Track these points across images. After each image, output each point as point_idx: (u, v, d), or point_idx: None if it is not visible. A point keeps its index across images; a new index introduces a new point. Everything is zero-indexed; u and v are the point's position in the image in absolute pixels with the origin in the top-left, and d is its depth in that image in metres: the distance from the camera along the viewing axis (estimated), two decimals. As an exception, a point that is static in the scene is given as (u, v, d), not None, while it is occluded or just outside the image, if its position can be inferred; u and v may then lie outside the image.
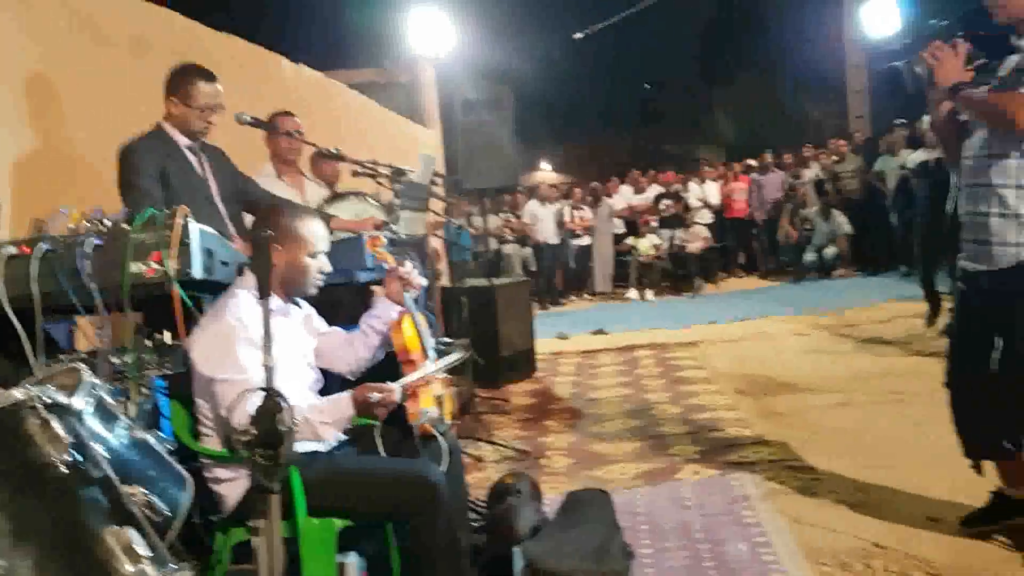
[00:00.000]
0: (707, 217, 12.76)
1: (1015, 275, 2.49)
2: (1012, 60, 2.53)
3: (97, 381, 1.49)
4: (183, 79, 3.15)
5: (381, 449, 2.40)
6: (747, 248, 13.56)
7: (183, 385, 2.43)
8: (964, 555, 2.64)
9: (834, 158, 12.31)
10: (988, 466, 2.81)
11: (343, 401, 2.23)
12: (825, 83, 16.40)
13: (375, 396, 2.18)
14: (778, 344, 6.84)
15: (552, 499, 3.24)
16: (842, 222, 11.38)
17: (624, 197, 13.44)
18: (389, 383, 2.26)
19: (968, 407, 2.74)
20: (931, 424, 3.19)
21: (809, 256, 11.65)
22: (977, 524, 2.78)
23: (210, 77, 3.17)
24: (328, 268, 2.49)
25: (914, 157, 6.92)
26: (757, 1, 17.11)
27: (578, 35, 14.16)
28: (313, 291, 2.49)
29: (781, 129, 18.68)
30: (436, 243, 6.99)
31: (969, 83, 2.55)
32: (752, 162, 13.32)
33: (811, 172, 12.45)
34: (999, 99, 2.47)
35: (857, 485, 3.33)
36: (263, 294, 1.31)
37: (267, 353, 1.26)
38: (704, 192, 12.89)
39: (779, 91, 18.87)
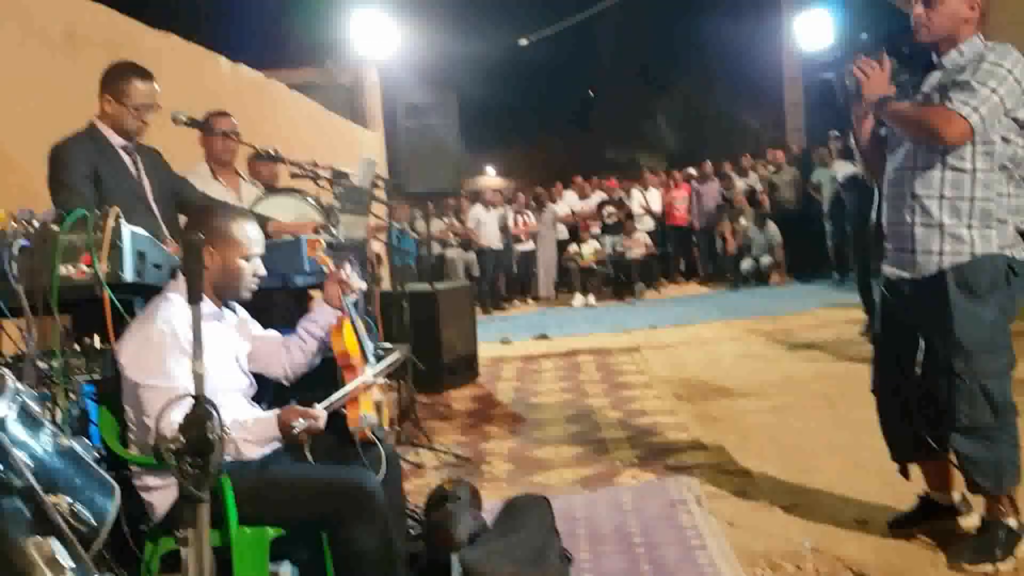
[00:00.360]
0: (649, 224, 12.94)
1: (937, 282, 2.58)
2: (934, 77, 2.63)
3: (20, 387, 1.44)
4: (119, 77, 3.07)
5: (309, 457, 2.35)
6: (687, 255, 13.80)
7: (112, 390, 2.37)
8: (891, 556, 2.72)
9: (771, 168, 12.63)
10: (915, 471, 2.91)
11: (270, 422, 2.20)
12: (763, 94, 16.81)
13: (299, 423, 2.15)
14: (715, 349, 6.97)
15: (492, 505, 3.23)
16: (775, 232, 11.69)
17: (568, 203, 13.55)
18: (315, 408, 2.23)
19: (894, 411, 2.84)
20: (862, 428, 3.29)
21: (745, 264, 11.91)
22: (904, 526, 2.88)
23: (146, 76, 3.10)
24: (263, 272, 2.45)
25: (844, 170, 7.14)
26: (698, 11, 17.43)
27: (523, 41, 14.28)
28: (247, 295, 2.44)
29: (720, 138, 19.09)
30: (378, 247, 6.93)
31: (893, 97, 2.65)
32: (692, 171, 13.55)
33: (743, 183, 12.75)
34: (924, 112, 2.57)
35: (790, 488, 3.41)
36: (194, 299, 1.28)
37: (197, 360, 1.24)
38: (646, 199, 13.06)
39: (718, 101, 19.28)
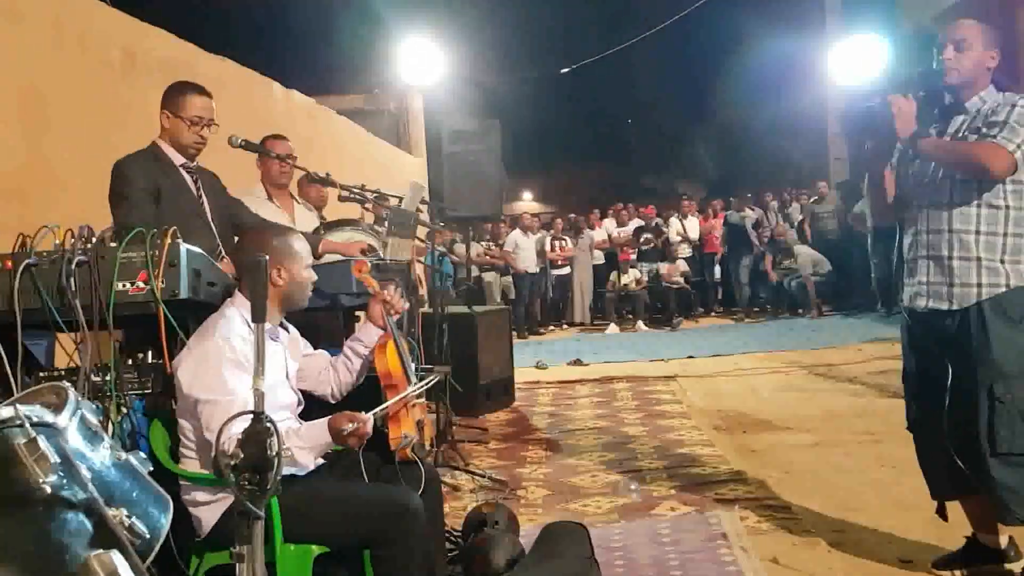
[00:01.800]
0: (687, 251, 12.89)
1: (976, 312, 2.62)
2: (958, 120, 2.71)
3: (81, 399, 1.47)
4: (176, 92, 3.16)
5: (364, 475, 2.39)
6: (726, 283, 13.68)
7: (163, 405, 2.42)
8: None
9: (813, 198, 12.53)
10: (959, 513, 2.85)
11: (321, 428, 2.23)
12: (805, 123, 16.69)
13: (348, 427, 2.18)
14: (755, 381, 6.89)
15: (528, 531, 3.22)
16: (821, 262, 11.53)
17: (605, 229, 13.57)
18: (363, 413, 2.26)
19: (930, 445, 2.81)
20: (905, 466, 3.23)
21: (787, 294, 11.78)
22: (948, 567, 2.82)
23: (202, 91, 3.18)
24: (315, 278, 2.54)
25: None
26: (739, 40, 17.42)
27: (565, 70, 14.41)
28: (306, 303, 2.51)
29: (760, 167, 18.97)
30: (418, 269, 6.99)
31: (925, 133, 2.70)
32: (732, 199, 13.51)
33: (792, 211, 12.68)
34: (971, 146, 2.62)
35: (832, 525, 3.35)
36: (258, 317, 1.31)
37: (259, 377, 1.26)
38: (684, 227, 13.02)
39: (759, 129, 19.17)
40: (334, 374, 2.62)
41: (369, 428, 2.24)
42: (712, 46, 19.28)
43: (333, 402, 2.64)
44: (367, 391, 2.70)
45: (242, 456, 1.22)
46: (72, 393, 1.51)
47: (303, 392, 2.56)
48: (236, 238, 3.25)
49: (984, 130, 2.59)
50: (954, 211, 2.66)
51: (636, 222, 13.39)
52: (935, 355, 2.73)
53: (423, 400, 2.75)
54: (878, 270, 10.24)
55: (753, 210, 12.98)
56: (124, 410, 2.37)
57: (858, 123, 2.89)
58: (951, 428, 2.67)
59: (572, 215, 13.92)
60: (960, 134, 2.68)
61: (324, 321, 3.36)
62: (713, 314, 12.84)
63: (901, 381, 2.96)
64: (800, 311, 11.64)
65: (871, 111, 2.75)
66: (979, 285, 2.62)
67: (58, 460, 1.17)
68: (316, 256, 3.27)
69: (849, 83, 11.97)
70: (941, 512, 2.86)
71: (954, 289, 2.66)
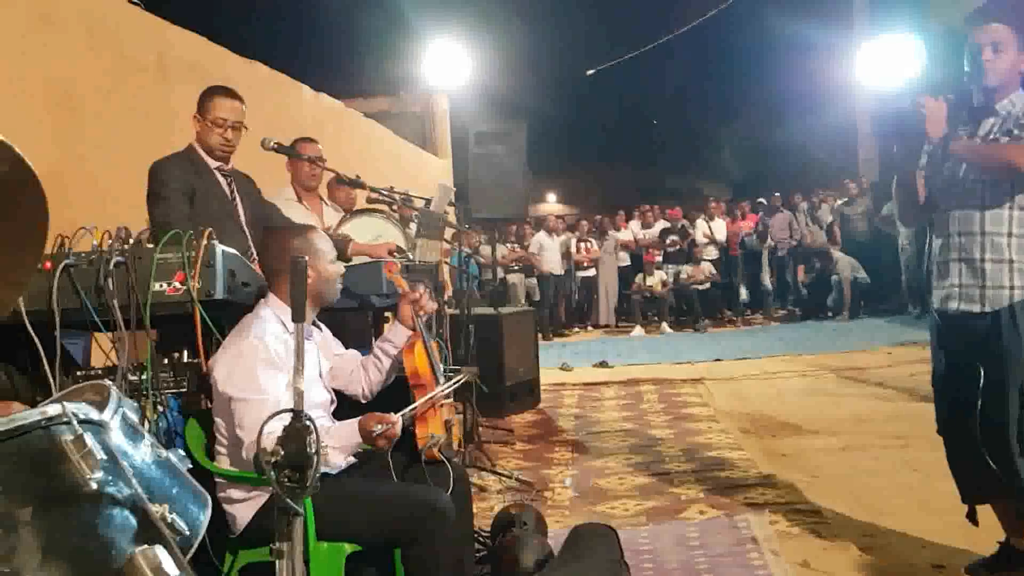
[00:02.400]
0: (713, 253, 12.82)
1: (1009, 314, 2.63)
2: (989, 122, 2.70)
3: (123, 397, 1.50)
4: (204, 95, 3.22)
5: (393, 474, 2.41)
6: (754, 283, 13.57)
7: (198, 404, 2.46)
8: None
9: (843, 200, 12.40)
10: (992, 517, 2.81)
11: (351, 428, 2.25)
12: (833, 124, 16.53)
13: (378, 428, 2.20)
14: (782, 384, 6.84)
15: (556, 533, 3.22)
16: (858, 267, 11.41)
17: (630, 230, 13.53)
18: (392, 415, 2.27)
19: (960, 448, 2.79)
20: (935, 470, 3.19)
21: (816, 296, 11.68)
22: (982, 573, 2.78)
23: (228, 93, 3.22)
24: (343, 271, 2.56)
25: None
26: (765, 40, 17.29)
27: (590, 71, 14.39)
28: (337, 297, 2.54)
29: (787, 168, 18.80)
30: (444, 271, 7.02)
31: (955, 134, 2.70)
32: (761, 200, 13.39)
33: (822, 212, 12.57)
34: (1008, 147, 2.61)
35: (863, 529, 3.32)
36: (298, 317, 1.33)
37: (298, 375, 1.28)
38: (711, 229, 12.95)
39: (785, 130, 19.01)
40: (364, 374, 2.65)
41: (398, 430, 2.26)
42: (738, 46, 19.15)
43: (364, 402, 2.66)
44: (396, 390, 2.73)
45: (282, 453, 1.24)
46: (114, 391, 1.53)
47: (335, 391, 2.59)
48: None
49: (1016, 132, 2.59)
50: (986, 213, 2.65)
51: (661, 223, 13.33)
52: (966, 357, 2.72)
53: (451, 400, 2.77)
54: (907, 271, 10.13)
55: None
56: (160, 408, 2.41)
57: (888, 124, 2.91)
58: (983, 430, 2.66)
59: (598, 217, 13.90)
60: (991, 136, 2.67)
61: (353, 321, 3.39)
62: (738, 317, 12.73)
63: (931, 384, 2.94)
64: (830, 313, 11.53)
65: (901, 112, 2.74)
66: (1011, 287, 2.62)
67: (104, 457, 1.19)
68: (345, 258, 3.30)
69: (879, 83, 11.83)
70: (972, 516, 2.83)
71: (986, 291, 2.66)
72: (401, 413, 2.31)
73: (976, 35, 2.67)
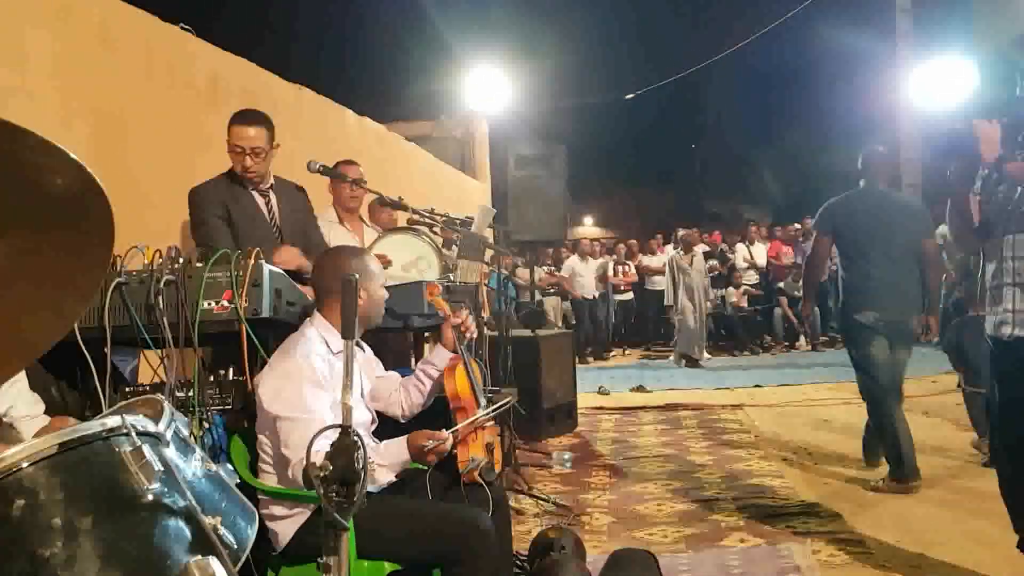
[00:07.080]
0: (753, 278, 12.68)
1: None
2: None
3: (176, 412, 1.53)
4: (229, 122, 3.26)
5: (430, 494, 2.42)
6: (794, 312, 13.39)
7: (243, 421, 2.49)
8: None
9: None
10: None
11: (400, 446, 2.27)
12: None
13: (429, 444, 2.22)
14: (826, 412, 6.72)
15: (594, 558, 3.20)
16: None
17: (667, 255, 13.45)
18: (443, 431, 2.29)
19: (1016, 478, 2.71)
20: (983, 500, 3.12)
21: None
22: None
23: (246, 121, 3.22)
24: (388, 295, 2.60)
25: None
26: (807, 65, 17.22)
27: (630, 95, 14.44)
28: (381, 321, 2.59)
29: (829, 192, 18.57)
30: (483, 293, 7.05)
31: (1011, 157, 2.64)
32: (799, 225, 13.25)
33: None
34: None
35: (909, 559, 3.24)
36: (348, 334, 1.35)
37: (347, 391, 1.30)
38: (751, 253, 12.83)
39: (828, 154, 18.82)
40: (405, 395, 2.67)
41: (448, 446, 2.27)
42: (779, 70, 19.10)
43: (403, 422, 2.68)
44: (436, 412, 2.74)
45: (331, 468, 1.25)
46: (167, 406, 1.57)
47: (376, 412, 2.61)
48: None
49: None
50: None
51: (702, 247, 13.24)
52: (1022, 384, 2.64)
53: (492, 423, 2.77)
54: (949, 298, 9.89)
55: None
56: (206, 425, 2.45)
57: (941, 147, 2.89)
58: None
59: (634, 240, 13.86)
60: None
61: (394, 341, 3.42)
62: (779, 343, 12.55)
63: (986, 410, 2.88)
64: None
65: (955, 134, 2.72)
66: None
67: (160, 468, 1.22)
68: None
69: (932, 106, 11.66)
70: (1023, 547, 2.75)
71: None
72: (452, 431, 2.33)
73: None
